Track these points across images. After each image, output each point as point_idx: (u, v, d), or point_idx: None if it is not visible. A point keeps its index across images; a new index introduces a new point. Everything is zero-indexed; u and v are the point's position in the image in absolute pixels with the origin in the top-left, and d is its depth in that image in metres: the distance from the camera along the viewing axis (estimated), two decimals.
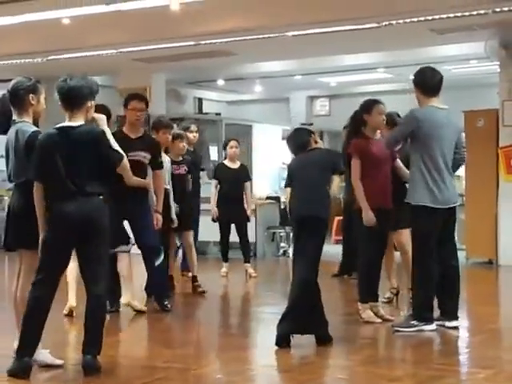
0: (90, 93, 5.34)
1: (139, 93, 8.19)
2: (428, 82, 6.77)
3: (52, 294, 5.20)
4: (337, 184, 6.30)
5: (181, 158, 9.22)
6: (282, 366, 5.68)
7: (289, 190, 6.34)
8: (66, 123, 5.30)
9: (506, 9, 10.14)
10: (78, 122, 5.27)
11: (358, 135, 7.11)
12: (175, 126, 9.81)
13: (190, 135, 9.84)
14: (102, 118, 5.48)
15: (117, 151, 5.36)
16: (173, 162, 9.04)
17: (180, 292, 9.21)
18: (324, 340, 6.12)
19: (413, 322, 6.66)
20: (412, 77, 6.93)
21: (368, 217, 6.88)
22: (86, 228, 5.16)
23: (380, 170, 7.03)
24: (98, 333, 5.20)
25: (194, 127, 10.09)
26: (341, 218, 11.73)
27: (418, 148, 6.66)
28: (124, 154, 5.42)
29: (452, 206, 6.76)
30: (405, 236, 7.64)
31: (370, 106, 7.10)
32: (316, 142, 6.46)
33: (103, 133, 5.36)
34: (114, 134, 8.18)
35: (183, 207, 9.01)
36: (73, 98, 5.28)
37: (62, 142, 5.20)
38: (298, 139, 6.46)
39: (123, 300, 7.67)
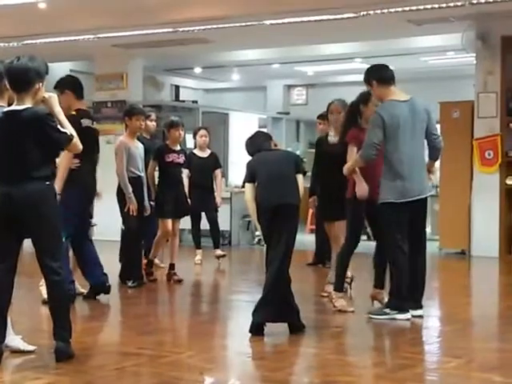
0: (37, 74, 5.08)
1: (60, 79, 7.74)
2: (383, 73, 6.85)
3: (9, 278, 5.11)
4: (302, 184, 6.31)
5: (179, 148, 9.20)
6: (256, 354, 5.70)
7: (249, 185, 6.31)
8: (13, 107, 5.12)
9: (482, 1, 10.21)
10: (26, 105, 5.06)
11: (354, 125, 7.11)
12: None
13: (150, 124, 9.57)
14: (53, 98, 5.18)
15: (64, 132, 5.09)
16: (171, 151, 9.04)
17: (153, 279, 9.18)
18: (297, 328, 6.15)
19: (385, 310, 6.75)
20: (363, 77, 6.92)
21: (362, 188, 6.85)
22: (27, 214, 5.03)
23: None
24: (64, 318, 5.15)
25: (154, 116, 9.82)
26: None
27: (383, 145, 6.68)
28: (74, 134, 5.15)
29: (420, 197, 6.77)
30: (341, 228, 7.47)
31: (367, 97, 7.09)
32: (276, 145, 6.58)
33: (48, 115, 5.08)
34: None
35: (179, 195, 9.12)
36: (18, 81, 5.07)
37: (6, 126, 5.06)
38: (259, 140, 6.51)
39: None
